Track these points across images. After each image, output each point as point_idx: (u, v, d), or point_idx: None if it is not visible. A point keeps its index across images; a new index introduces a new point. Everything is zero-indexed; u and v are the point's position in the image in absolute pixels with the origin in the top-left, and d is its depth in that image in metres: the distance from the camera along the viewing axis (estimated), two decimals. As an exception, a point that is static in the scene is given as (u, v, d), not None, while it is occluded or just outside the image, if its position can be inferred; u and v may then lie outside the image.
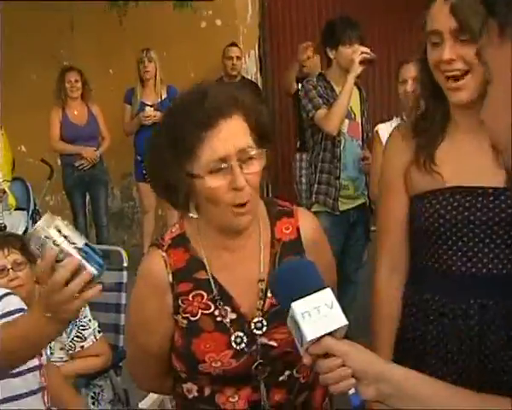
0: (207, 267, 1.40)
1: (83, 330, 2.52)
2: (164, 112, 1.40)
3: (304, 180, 5.06)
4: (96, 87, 5.64)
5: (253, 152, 1.33)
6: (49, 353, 2.46)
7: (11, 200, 3.33)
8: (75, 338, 2.50)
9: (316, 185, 3.49)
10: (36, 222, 4.23)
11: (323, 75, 3.53)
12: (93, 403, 2.62)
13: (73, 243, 1.15)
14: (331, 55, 3.44)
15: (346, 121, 3.45)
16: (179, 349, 1.41)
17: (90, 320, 2.56)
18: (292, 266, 1.23)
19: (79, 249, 1.15)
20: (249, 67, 6.21)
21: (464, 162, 1.50)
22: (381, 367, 1.06)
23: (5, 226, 4.09)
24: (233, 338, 1.37)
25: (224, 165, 1.30)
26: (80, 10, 6.20)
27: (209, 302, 1.39)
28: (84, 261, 1.14)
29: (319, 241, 1.50)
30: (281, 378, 1.41)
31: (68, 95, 5.32)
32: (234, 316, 1.39)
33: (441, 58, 1.42)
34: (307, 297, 1.08)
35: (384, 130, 3.10)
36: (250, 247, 1.43)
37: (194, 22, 6.09)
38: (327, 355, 1.07)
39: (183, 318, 1.39)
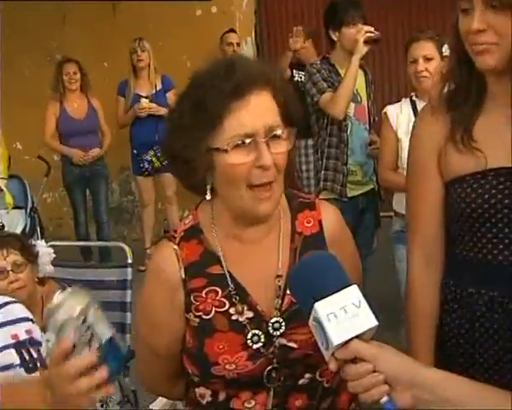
0: (222, 261, 1.30)
1: (87, 331, 2.41)
2: (187, 85, 1.29)
3: (306, 167, 4.98)
4: (90, 80, 5.50)
5: (281, 131, 1.23)
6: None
7: (8, 198, 3.23)
8: (79, 340, 2.40)
9: (323, 172, 3.39)
10: (34, 220, 4.14)
11: (327, 58, 3.42)
12: (101, 405, 2.52)
13: (98, 334, 1.11)
14: (334, 37, 3.34)
15: (352, 105, 3.34)
16: (191, 350, 1.31)
17: (93, 321, 2.45)
18: (312, 261, 1.10)
19: (102, 344, 1.10)
20: (246, 54, 6.10)
21: (505, 140, 1.37)
22: (414, 371, 0.98)
23: (3, 226, 3.99)
24: (249, 336, 1.27)
25: (249, 140, 1.20)
26: (72, 2, 6.07)
27: (224, 299, 1.29)
28: (103, 359, 1.08)
29: (342, 235, 1.41)
30: (301, 382, 1.31)
31: (67, 87, 5.13)
32: (250, 314, 1.29)
33: (469, 28, 1.30)
34: (332, 296, 0.98)
35: (393, 112, 3.00)
36: (268, 240, 1.33)
37: (190, 10, 5.97)
38: (355, 360, 0.97)
39: (196, 316, 1.29)
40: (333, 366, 0.99)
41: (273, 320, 1.28)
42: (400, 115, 2.97)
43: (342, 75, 3.29)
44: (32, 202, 4.31)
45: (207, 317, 1.28)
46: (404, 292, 1.57)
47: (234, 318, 1.28)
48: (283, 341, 1.28)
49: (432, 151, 1.46)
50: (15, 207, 4.22)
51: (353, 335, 0.96)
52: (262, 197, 1.23)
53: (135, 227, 6.57)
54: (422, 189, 1.50)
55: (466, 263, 1.44)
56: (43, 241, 2.54)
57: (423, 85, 2.87)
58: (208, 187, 1.28)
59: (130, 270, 2.70)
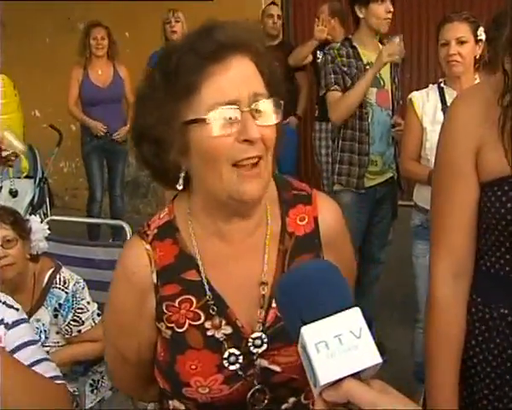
0: (200, 266, 1.13)
1: (80, 313, 2.31)
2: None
3: (325, 151, 4.82)
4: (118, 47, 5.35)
5: (269, 100, 1.05)
6: (43, 337, 2.29)
7: (24, 164, 3.11)
8: (72, 322, 2.30)
9: (337, 165, 3.27)
10: (43, 190, 4.04)
11: (349, 40, 3.25)
12: (91, 391, 2.43)
13: None
14: (360, 13, 3.16)
15: (374, 90, 3.18)
16: (161, 365, 1.15)
17: (88, 303, 2.34)
18: (307, 272, 0.86)
19: None
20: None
21: None
22: None
23: (16, 192, 3.89)
24: (226, 355, 1.10)
25: (231, 108, 1.02)
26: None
27: (199, 311, 1.12)
28: None
29: (340, 236, 1.22)
30: (284, 406, 1.15)
31: (93, 52, 4.88)
32: (229, 330, 1.11)
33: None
34: (325, 320, 0.76)
35: (419, 98, 2.80)
36: (253, 239, 1.14)
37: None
38: (348, 404, 0.76)
39: (168, 327, 1.13)
40: (320, 406, 0.78)
41: (254, 336, 1.11)
42: (427, 103, 2.77)
43: (363, 59, 3.16)
44: (42, 172, 4.20)
45: (180, 330, 1.12)
46: (425, 310, 1.36)
47: (209, 333, 1.11)
48: (265, 363, 1.11)
49: (468, 146, 1.25)
50: (25, 177, 4.12)
51: (347, 373, 0.74)
52: (247, 175, 1.04)
53: (150, 202, 6.50)
54: (454, 190, 1.28)
55: (499, 279, 1.25)
56: (37, 216, 2.41)
57: (454, 70, 2.67)
58: (182, 174, 1.10)
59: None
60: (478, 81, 2.71)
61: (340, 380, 0.74)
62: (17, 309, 1.43)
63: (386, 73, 3.24)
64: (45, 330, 2.29)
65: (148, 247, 1.14)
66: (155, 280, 1.13)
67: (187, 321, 1.11)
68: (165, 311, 1.12)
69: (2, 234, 2.17)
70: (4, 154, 3.11)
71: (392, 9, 3.11)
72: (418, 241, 2.86)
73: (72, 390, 2.35)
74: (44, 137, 5.19)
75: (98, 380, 2.45)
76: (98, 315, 2.35)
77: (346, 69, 3.14)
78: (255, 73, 1.06)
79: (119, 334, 1.20)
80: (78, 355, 2.33)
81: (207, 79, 1.02)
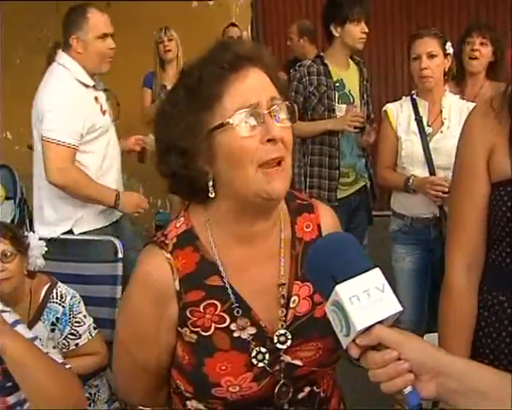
0: (222, 271, 1.19)
1: (77, 326, 2.34)
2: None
3: (296, 165, 4.94)
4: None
5: (284, 104, 1.16)
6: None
7: (1, 191, 3.11)
8: (69, 335, 2.32)
9: (308, 179, 3.40)
10: (23, 211, 4.02)
11: (321, 57, 3.38)
12: (89, 405, 2.45)
13: None
14: (336, 32, 3.30)
15: (344, 106, 3.32)
16: (186, 368, 1.20)
17: (84, 316, 2.37)
18: (333, 241, 1.02)
19: None
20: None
21: None
22: (441, 359, 0.92)
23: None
24: (254, 354, 1.17)
25: (254, 111, 1.11)
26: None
27: (224, 314, 1.18)
28: None
29: None
30: (300, 396, 1.24)
31: None
32: (253, 330, 1.19)
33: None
34: (354, 279, 0.91)
35: (393, 110, 2.95)
36: (269, 245, 1.23)
37: (185, 3, 5.87)
38: (378, 347, 0.91)
39: (192, 332, 1.18)
40: (354, 352, 0.92)
41: (278, 333, 1.19)
42: (401, 114, 2.92)
43: (333, 77, 3.29)
44: (22, 193, 4.21)
45: (206, 334, 1.17)
46: (441, 295, 1.50)
47: (236, 335, 1.18)
48: (288, 358, 1.20)
49: (482, 151, 1.41)
50: (5, 198, 4.12)
51: (378, 320, 0.90)
52: (274, 173, 1.12)
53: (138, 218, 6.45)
54: (469, 188, 1.44)
55: (499, 270, 1.39)
56: (36, 233, 2.44)
57: (426, 83, 2.82)
58: (210, 183, 1.17)
59: (120, 265, 2.62)
60: (447, 92, 2.88)
61: (370, 327, 0.90)
62: (9, 311, 1.49)
63: (355, 89, 3.38)
64: (42, 345, 2.31)
65: (168, 256, 1.18)
66: (178, 287, 1.17)
67: (213, 325, 1.17)
68: (189, 316, 1.18)
69: (2, 248, 2.18)
70: None
71: (367, 30, 3.26)
72: (397, 245, 2.98)
73: (69, 404, 2.39)
74: (19, 158, 5.17)
75: (94, 393, 2.47)
76: (94, 328, 2.38)
77: (311, 89, 3.27)
78: (269, 82, 1.17)
79: (139, 344, 1.23)
80: (77, 370, 2.35)
81: (229, 87, 1.11)
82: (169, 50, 4.76)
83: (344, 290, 0.90)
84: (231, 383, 1.16)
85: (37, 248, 2.34)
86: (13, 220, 3.99)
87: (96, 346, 2.38)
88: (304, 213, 1.28)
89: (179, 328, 1.19)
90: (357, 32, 3.24)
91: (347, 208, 3.38)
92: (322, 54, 3.43)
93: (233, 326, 1.18)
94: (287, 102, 1.16)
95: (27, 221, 4.21)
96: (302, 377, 1.21)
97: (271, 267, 1.22)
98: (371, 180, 3.46)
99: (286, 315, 1.20)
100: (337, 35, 3.28)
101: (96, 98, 2.98)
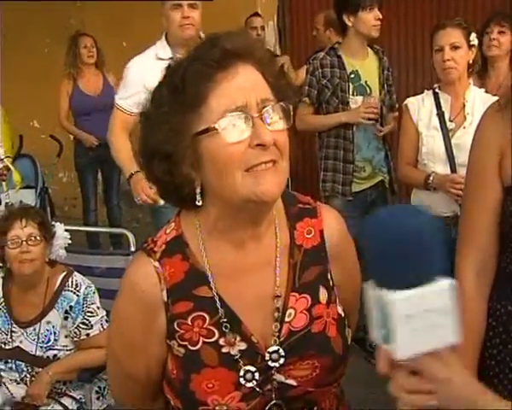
0: (211, 282, 1.11)
1: (90, 316, 2.35)
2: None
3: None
4: (108, 60, 5.40)
5: (278, 105, 1.06)
6: (53, 340, 2.34)
7: (16, 177, 3.14)
8: (81, 325, 2.34)
9: (322, 173, 3.32)
10: (44, 200, 4.05)
11: (335, 49, 3.30)
12: (97, 398, 2.46)
13: None
14: (349, 22, 3.21)
15: (359, 98, 3.22)
16: (174, 383, 1.13)
17: (98, 308, 2.39)
18: (411, 230, 0.76)
19: None
20: (268, 39, 5.93)
21: None
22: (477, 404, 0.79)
23: (12, 205, 3.92)
24: (242, 373, 1.09)
25: (241, 115, 1.02)
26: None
27: (212, 328, 1.10)
28: None
29: (345, 248, 1.23)
30: None
31: (84, 61, 4.89)
32: (243, 346, 1.10)
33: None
34: (419, 290, 0.73)
35: (414, 104, 2.86)
36: (263, 253, 1.14)
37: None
38: (416, 371, 0.79)
39: (180, 345, 1.11)
40: (383, 365, 0.79)
41: (271, 350, 1.11)
42: (422, 108, 2.82)
43: (347, 69, 3.21)
44: (43, 182, 4.24)
45: (194, 348, 1.10)
46: None
47: (224, 350, 1.09)
48: (281, 377, 1.11)
49: (494, 152, 1.33)
50: (26, 187, 4.15)
51: (427, 351, 0.76)
52: (263, 174, 1.02)
53: (149, 211, 6.48)
54: (480, 191, 1.36)
55: (509, 277, 1.32)
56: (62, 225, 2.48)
57: (449, 77, 2.72)
58: (198, 190, 1.08)
59: (132, 258, 2.61)
60: (472, 85, 2.77)
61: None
62: None
63: (373, 79, 3.29)
64: (55, 333, 2.34)
65: (156, 264, 1.11)
66: (165, 298, 1.10)
67: (200, 339, 1.10)
68: (177, 329, 1.11)
69: (29, 231, 2.28)
70: None
71: (380, 16, 3.16)
72: (416, 244, 2.90)
73: (78, 397, 2.40)
74: (44, 147, 5.22)
75: (104, 387, 2.48)
76: (107, 321, 2.37)
77: (325, 82, 3.20)
78: (261, 80, 1.07)
79: (125, 351, 1.17)
80: (85, 362, 2.36)
81: (215, 87, 1.02)
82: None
83: (402, 304, 0.73)
84: (218, 403, 1.08)
85: (61, 238, 2.40)
86: (33, 209, 4.00)
87: (106, 339, 2.37)
88: (305, 217, 1.18)
89: (168, 341, 1.12)
90: (370, 19, 3.14)
91: (363, 203, 3.30)
92: (336, 45, 3.34)
93: (222, 341, 1.10)
94: (281, 104, 1.06)
95: (48, 210, 4.25)
96: (297, 397, 1.12)
97: (266, 277, 1.13)
98: (390, 175, 3.37)
99: (280, 330, 1.11)
100: (350, 24, 3.20)
101: None
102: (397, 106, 3.46)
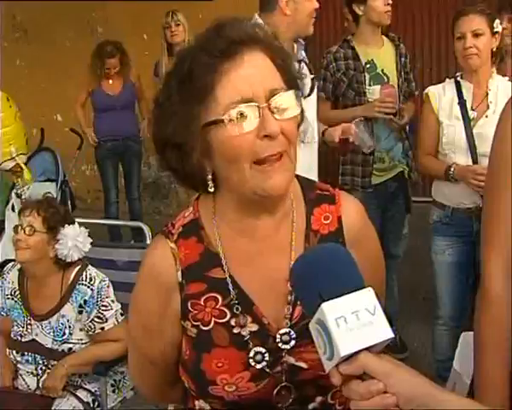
0: (224, 264, 1.13)
1: (104, 310, 2.35)
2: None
3: None
4: (129, 52, 5.41)
5: (286, 94, 1.04)
6: (67, 333, 2.34)
7: (27, 175, 3.15)
8: (95, 319, 2.34)
9: (341, 166, 3.28)
10: (65, 193, 4.05)
11: (347, 41, 3.25)
12: (113, 391, 2.46)
13: None
14: (359, 11, 3.17)
15: (377, 88, 3.17)
16: (187, 364, 1.15)
17: (112, 301, 2.38)
18: (324, 253, 0.93)
19: None
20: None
21: None
22: (432, 396, 0.82)
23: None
24: (251, 354, 1.10)
25: (248, 106, 1.01)
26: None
27: (224, 309, 1.11)
28: None
29: (365, 233, 1.22)
30: (311, 406, 1.14)
31: (109, 74, 4.98)
32: (255, 328, 1.11)
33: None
34: (343, 297, 0.83)
35: (435, 93, 2.78)
36: (279, 236, 1.14)
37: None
38: (363, 376, 0.82)
39: (193, 326, 1.13)
40: (336, 379, 0.84)
41: (282, 332, 1.11)
42: (443, 97, 2.75)
43: (362, 59, 3.16)
44: (64, 175, 4.25)
45: (206, 328, 1.12)
46: (477, 302, 1.38)
47: (235, 331, 1.11)
48: (291, 359, 1.11)
49: None
50: (47, 180, 4.17)
51: (364, 346, 0.82)
52: (271, 170, 1.03)
53: (172, 203, 6.52)
54: (505, 186, 1.30)
55: None
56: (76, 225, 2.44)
57: (470, 63, 2.64)
58: (209, 177, 1.10)
59: (147, 251, 2.60)
60: (495, 74, 2.69)
61: (356, 353, 0.82)
62: None
63: (390, 66, 3.24)
64: (70, 326, 2.34)
65: (172, 245, 1.14)
66: (180, 279, 1.13)
67: (212, 319, 1.11)
68: (190, 309, 1.13)
69: (29, 220, 2.30)
70: (10, 165, 3.17)
71: (390, 1, 3.12)
72: (437, 237, 2.83)
73: (93, 390, 2.40)
74: (67, 140, 5.26)
75: (120, 380, 2.48)
76: (121, 315, 2.38)
77: (339, 75, 3.17)
78: (270, 67, 1.06)
79: (143, 335, 1.20)
80: (101, 355, 2.36)
81: (221, 77, 1.02)
82: (176, 35, 4.66)
83: (330, 309, 0.82)
84: (227, 382, 1.10)
85: (68, 236, 2.34)
86: (54, 202, 4.03)
87: (121, 332, 2.35)
88: (323, 203, 1.18)
89: (182, 321, 1.14)
90: (380, 5, 3.10)
91: (383, 195, 3.25)
92: (349, 37, 3.29)
93: (233, 322, 1.11)
94: (290, 91, 1.05)
95: (69, 203, 4.27)
96: (308, 382, 1.12)
97: (281, 261, 1.12)
98: (409, 166, 3.30)
99: (292, 313, 1.11)
100: (361, 13, 3.16)
101: None
102: (416, 93, 3.40)
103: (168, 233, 1.16)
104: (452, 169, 2.65)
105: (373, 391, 0.81)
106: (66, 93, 6.20)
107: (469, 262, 2.73)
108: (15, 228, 2.33)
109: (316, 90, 2.72)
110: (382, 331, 0.82)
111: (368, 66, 3.16)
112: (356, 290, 0.84)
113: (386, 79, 3.21)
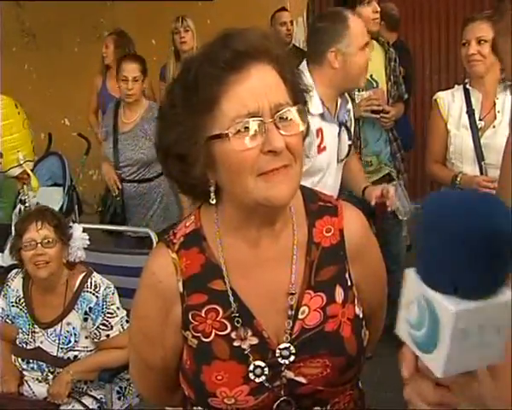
0: (226, 276, 1.12)
1: (110, 317, 2.35)
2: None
3: None
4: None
5: (291, 109, 1.03)
6: (73, 341, 2.34)
7: (34, 183, 3.16)
8: (101, 326, 2.34)
9: None
10: (72, 198, 4.05)
11: None
12: (118, 398, 2.45)
13: None
14: None
15: (365, 94, 3.17)
16: (188, 373, 1.15)
17: (118, 308, 2.39)
18: (485, 228, 0.63)
19: None
20: (297, 35, 5.87)
21: None
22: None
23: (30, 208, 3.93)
24: (251, 368, 1.09)
25: (253, 121, 1.01)
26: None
27: (225, 321, 1.11)
28: None
29: (366, 248, 1.20)
30: None
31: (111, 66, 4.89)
32: (255, 341, 1.11)
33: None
34: (482, 302, 0.64)
35: (444, 99, 2.76)
36: (280, 249, 1.13)
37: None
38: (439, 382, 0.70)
39: (194, 337, 1.13)
40: (406, 373, 0.73)
41: (282, 346, 1.10)
42: (452, 104, 2.74)
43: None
44: (71, 180, 4.27)
45: (206, 340, 1.11)
46: None
47: (236, 344, 1.10)
48: (291, 374, 1.10)
49: None
50: (54, 185, 4.19)
51: (472, 369, 0.68)
52: (275, 180, 1.02)
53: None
54: None
55: None
56: (80, 225, 2.48)
57: (475, 70, 2.64)
58: (212, 188, 1.09)
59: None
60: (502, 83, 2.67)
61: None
62: None
63: (379, 72, 3.25)
64: (75, 334, 2.34)
65: (174, 256, 1.13)
66: (181, 289, 1.13)
67: (213, 331, 1.11)
68: (191, 320, 1.12)
69: (44, 233, 2.28)
70: (17, 172, 3.18)
71: (379, 9, 3.17)
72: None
73: (99, 397, 2.40)
74: (75, 145, 5.28)
75: (125, 387, 2.48)
76: (127, 322, 2.38)
77: None
78: (277, 81, 1.05)
79: (143, 341, 1.20)
80: (106, 362, 2.37)
81: (227, 90, 1.01)
82: (184, 42, 4.53)
83: (462, 318, 0.64)
84: (226, 395, 1.09)
85: (78, 239, 2.38)
86: (61, 208, 4.04)
87: (127, 339, 2.32)
88: (325, 215, 1.17)
89: (183, 331, 1.14)
90: (368, 13, 3.15)
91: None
92: None
93: (233, 335, 1.10)
94: (296, 107, 1.04)
95: (76, 208, 4.28)
96: (307, 395, 1.11)
97: (282, 274, 1.12)
98: (396, 168, 3.31)
99: (292, 327, 1.11)
100: None
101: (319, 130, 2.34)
102: (406, 96, 3.42)
103: (169, 242, 1.15)
104: (458, 179, 2.65)
105: (444, 403, 0.72)
106: (73, 98, 6.23)
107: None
108: (27, 246, 2.27)
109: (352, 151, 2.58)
110: (497, 356, 0.67)
111: None
112: (495, 293, 0.64)
113: (375, 85, 3.23)
